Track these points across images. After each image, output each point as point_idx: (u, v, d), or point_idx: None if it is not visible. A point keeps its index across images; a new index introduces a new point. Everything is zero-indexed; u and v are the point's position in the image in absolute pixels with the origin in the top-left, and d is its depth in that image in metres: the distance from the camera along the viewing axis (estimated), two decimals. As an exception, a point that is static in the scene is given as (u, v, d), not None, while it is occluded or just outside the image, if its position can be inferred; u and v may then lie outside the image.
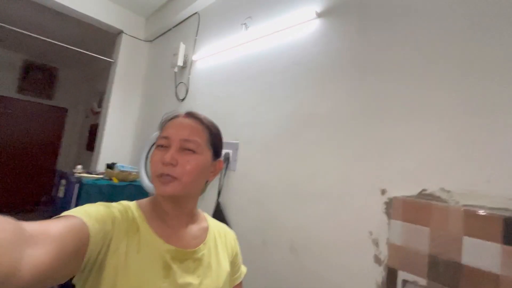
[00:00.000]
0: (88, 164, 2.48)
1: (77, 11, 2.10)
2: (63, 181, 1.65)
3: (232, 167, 1.34)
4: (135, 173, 1.83)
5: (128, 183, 1.76)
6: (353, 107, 0.93)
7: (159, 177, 0.53)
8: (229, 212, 1.31)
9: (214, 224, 0.68)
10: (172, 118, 0.60)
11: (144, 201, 0.59)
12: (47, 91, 4.12)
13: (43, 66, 4.04)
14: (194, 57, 1.80)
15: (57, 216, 0.42)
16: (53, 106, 4.21)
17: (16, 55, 3.78)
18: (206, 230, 0.63)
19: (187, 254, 0.55)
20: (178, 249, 0.54)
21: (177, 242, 0.55)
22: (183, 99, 1.86)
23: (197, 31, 1.84)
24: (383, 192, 0.81)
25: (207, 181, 0.61)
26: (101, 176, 1.79)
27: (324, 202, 0.95)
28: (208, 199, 1.41)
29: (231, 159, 1.35)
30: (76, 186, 1.52)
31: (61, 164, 4.25)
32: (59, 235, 0.36)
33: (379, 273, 0.77)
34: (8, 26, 1.89)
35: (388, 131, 0.83)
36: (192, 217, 0.61)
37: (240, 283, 0.70)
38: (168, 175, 0.52)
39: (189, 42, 1.89)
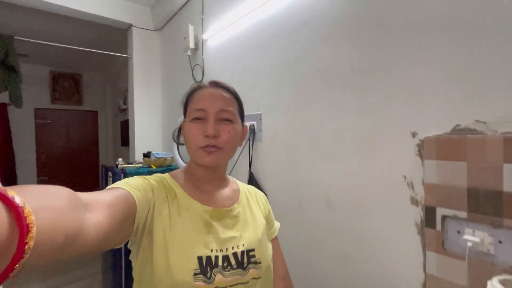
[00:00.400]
0: (127, 157, 2.69)
1: (86, 13, 2.16)
2: (110, 173, 1.82)
3: (258, 138, 1.38)
4: (169, 158, 1.96)
5: (165, 167, 1.90)
6: (371, 57, 0.90)
7: (202, 149, 0.55)
8: (262, 180, 1.37)
9: (244, 186, 0.72)
10: (198, 89, 0.61)
11: (176, 171, 0.63)
12: (76, 98, 4.39)
13: (68, 75, 4.28)
14: (204, 36, 1.80)
15: (104, 189, 0.46)
16: (84, 110, 4.50)
17: (43, 68, 4.03)
18: (237, 191, 0.67)
19: (224, 213, 0.58)
20: (215, 208, 0.58)
21: (213, 203, 0.59)
22: (200, 81, 1.89)
23: (202, 9, 1.82)
24: (414, 135, 0.80)
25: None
26: (140, 164, 1.95)
27: (355, 155, 0.96)
28: (241, 171, 1.48)
29: (256, 130, 1.39)
30: (122, 176, 1.68)
31: (102, 160, 4.64)
32: (110, 202, 0.40)
33: (417, 213, 0.79)
34: (29, 40, 2.01)
35: (409, 74, 0.80)
36: (223, 181, 0.66)
37: (276, 237, 0.73)
38: (213, 146, 0.55)
39: (197, 22, 1.89)
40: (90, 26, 2.47)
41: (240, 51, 1.52)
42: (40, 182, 3.94)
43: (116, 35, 2.74)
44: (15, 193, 0.24)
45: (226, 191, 0.64)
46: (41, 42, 2.09)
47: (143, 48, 2.46)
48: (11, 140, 3.69)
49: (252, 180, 1.39)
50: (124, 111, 3.61)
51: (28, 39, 1.99)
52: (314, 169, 1.11)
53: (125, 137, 3.27)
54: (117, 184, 0.48)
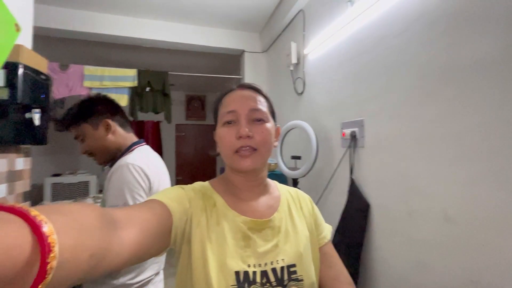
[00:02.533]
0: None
1: (210, 46, 2.73)
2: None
3: (360, 144, 1.35)
4: (274, 163, 2.16)
5: (270, 172, 2.11)
6: (497, 48, 0.76)
7: (237, 152, 0.53)
8: (364, 187, 1.33)
9: (286, 191, 0.66)
10: (226, 94, 0.59)
11: (215, 180, 0.61)
12: (202, 114, 5.48)
13: (197, 96, 5.42)
14: (305, 51, 1.93)
15: (141, 202, 0.48)
16: (207, 124, 5.54)
17: (181, 93, 5.29)
18: (278, 198, 0.62)
19: (263, 224, 0.55)
20: (254, 219, 0.54)
21: (251, 214, 0.55)
22: (301, 93, 2.02)
23: (304, 26, 1.97)
24: None
25: None
26: (249, 169, 2.24)
27: (483, 159, 0.82)
28: (340, 178, 1.48)
29: (358, 136, 1.37)
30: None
31: (219, 164, 5.55)
32: (143, 216, 0.40)
33: None
34: (176, 73, 2.73)
35: None
36: (264, 188, 0.61)
37: (329, 241, 0.65)
38: (248, 146, 0.52)
39: (298, 39, 2.05)
40: (212, 56, 3.10)
41: (341, 60, 1.55)
42: (177, 181, 5.10)
43: (230, 61, 3.29)
44: (38, 212, 0.24)
45: (265, 199, 0.60)
46: (182, 74, 2.81)
47: (253, 69, 2.85)
48: (162, 148, 4.98)
49: (353, 188, 1.36)
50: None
51: (175, 73, 2.71)
52: (429, 176, 1.00)
53: (236, 146, 3.79)
54: (155, 196, 0.49)
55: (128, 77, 2.49)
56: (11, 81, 0.90)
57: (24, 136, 0.98)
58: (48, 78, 1.10)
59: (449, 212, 0.92)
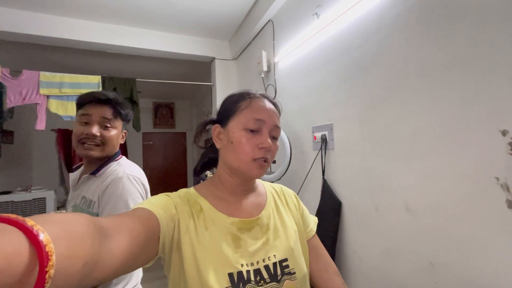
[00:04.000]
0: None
1: (180, 53, 2.70)
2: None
3: (330, 146, 1.45)
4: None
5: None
6: (446, 52, 0.89)
7: (256, 161, 0.54)
8: (336, 187, 1.42)
9: (271, 187, 0.68)
10: (252, 97, 0.58)
11: (200, 185, 0.62)
12: (170, 122, 5.33)
13: (165, 104, 5.27)
14: (275, 59, 2.02)
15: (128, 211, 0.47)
16: (176, 132, 5.40)
17: (148, 100, 5.10)
18: (264, 196, 0.64)
19: (252, 223, 0.56)
20: (242, 219, 0.55)
21: (239, 214, 0.56)
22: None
23: (273, 36, 2.06)
24: (504, 133, 0.75)
25: None
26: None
27: (435, 156, 0.94)
28: (314, 179, 1.57)
29: (328, 139, 1.46)
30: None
31: (190, 171, 5.41)
32: (132, 225, 0.40)
33: (516, 218, 0.72)
34: (143, 80, 2.65)
35: (496, 69, 0.76)
36: (251, 188, 0.63)
37: (315, 234, 0.68)
38: (265, 159, 0.55)
39: (268, 48, 2.13)
40: (181, 63, 3.07)
41: (309, 68, 1.65)
42: (146, 192, 4.88)
43: (200, 68, 3.29)
44: (34, 222, 0.24)
45: (252, 198, 0.61)
46: (151, 81, 2.73)
47: (224, 76, 2.88)
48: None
49: (325, 188, 1.45)
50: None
51: (144, 80, 2.63)
52: (390, 173, 1.11)
53: (208, 153, 3.76)
54: (140, 204, 0.49)
55: (91, 84, 2.36)
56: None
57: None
58: (1, 86, 1.02)
59: (409, 204, 1.03)
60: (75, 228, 0.29)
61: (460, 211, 0.86)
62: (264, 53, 2.12)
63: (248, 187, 0.61)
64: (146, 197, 0.89)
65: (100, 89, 2.36)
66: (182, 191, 0.58)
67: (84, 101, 0.89)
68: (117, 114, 0.93)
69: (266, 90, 2.19)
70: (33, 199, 2.77)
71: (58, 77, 2.25)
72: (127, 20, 2.38)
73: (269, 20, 2.12)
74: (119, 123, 0.95)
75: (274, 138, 0.58)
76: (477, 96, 0.82)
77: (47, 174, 3.94)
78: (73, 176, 0.97)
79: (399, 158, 1.07)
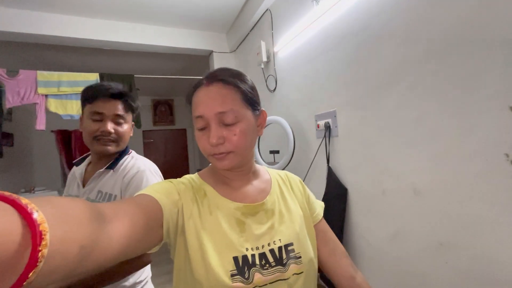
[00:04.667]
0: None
1: (177, 47, 2.67)
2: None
3: (334, 134, 1.44)
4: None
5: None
6: (451, 34, 0.88)
7: (214, 156, 0.53)
8: (341, 174, 1.42)
9: (276, 174, 0.67)
10: (195, 90, 0.55)
11: (204, 171, 0.61)
12: (170, 119, 5.30)
13: (164, 101, 5.24)
14: (275, 49, 2.00)
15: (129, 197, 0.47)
16: (176, 129, 5.38)
17: (147, 98, 5.07)
18: (269, 182, 0.63)
19: (256, 207, 0.55)
20: (246, 204, 0.55)
21: (244, 199, 0.56)
22: (274, 90, 2.08)
23: (272, 25, 2.03)
24: (514, 109, 0.74)
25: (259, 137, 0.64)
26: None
27: (443, 137, 0.93)
28: (318, 167, 1.56)
29: (331, 126, 1.45)
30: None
31: (191, 168, 5.42)
32: (131, 211, 0.40)
33: (527, 193, 0.72)
34: (143, 76, 2.62)
35: (504, 44, 0.75)
36: (253, 174, 0.61)
37: (322, 219, 0.67)
38: (221, 153, 0.52)
39: (267, 37, 2.11)
40: (179, 58, 3.03)
41: (310, 56, 1.63)
42: (148, 189, 4.90)
43: (198, 62, 3.26)
44: (28, 201, 0.24)
45: (257, 184, 0.61)
46: (149, 76, 2.70)
47: (222, 69, 2.84)
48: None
49: (330, 176, 1.45)
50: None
51: (142, 75, 2.61)
52: (396, 157, 1.11)
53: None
54: (143, 190, 0.49)
55: (89, 81, 2.33)
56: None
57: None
58: (0, 85, 1.00)
59: (417, 186, 1.03)
60: (72, 211, 0.29)
61: (469, 190, 0.86)
62: (263, 43, 2.10)
63: (242, 172, 0.59)
64: None
65: (99, 86, 2.34)
66: (185, 177, 0.59)
67: (93, 96, 0.86)
68: (128, 108, 0.93)
69: (266, 81, 2.17)
70: (37, 200, 2.77)
71: (56, 75, 2.22)
72: (121, 15, 2.34)
73: (267, 10, 2.09)
74: (129, 117, 0.95)
75: (228, 125, 0.51)
76: (484, 75, 0.81)
77: (49, 175, 3.95)
78: (78, 170, 0.96)
79: (406, 142, 1.07)
